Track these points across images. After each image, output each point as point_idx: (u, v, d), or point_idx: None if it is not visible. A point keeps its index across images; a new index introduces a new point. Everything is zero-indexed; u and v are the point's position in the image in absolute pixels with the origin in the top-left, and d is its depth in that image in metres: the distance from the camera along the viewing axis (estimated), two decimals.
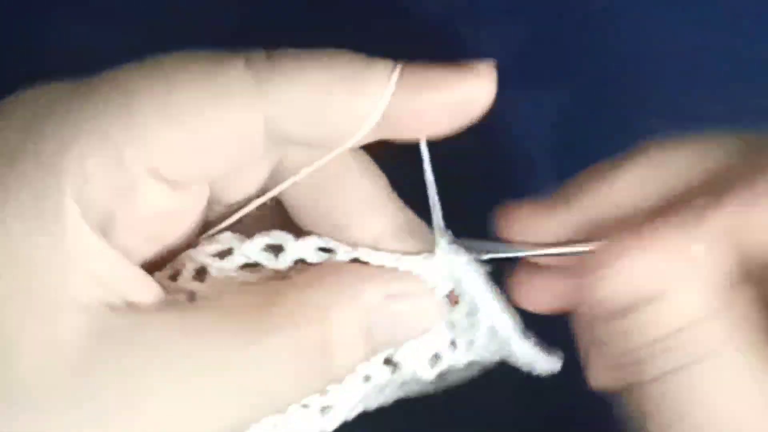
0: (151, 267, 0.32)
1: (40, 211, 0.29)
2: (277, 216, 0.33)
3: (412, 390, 0.35)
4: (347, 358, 0.31)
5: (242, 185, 0.32)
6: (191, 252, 0.32)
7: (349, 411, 0.34)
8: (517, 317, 0.33)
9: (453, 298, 0.33)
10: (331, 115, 0.30)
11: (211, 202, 0.32)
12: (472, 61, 0.30)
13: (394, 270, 0.32)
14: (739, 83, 0.45)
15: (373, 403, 0.34)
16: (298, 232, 0.32)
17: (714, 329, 0.29)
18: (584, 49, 0.45)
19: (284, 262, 0.32)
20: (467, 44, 0.42)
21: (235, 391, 0.30)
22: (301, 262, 0.32)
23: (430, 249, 0.32)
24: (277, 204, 0.33)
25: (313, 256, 0.32)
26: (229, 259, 0.32)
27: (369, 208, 0.32)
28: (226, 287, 0.32)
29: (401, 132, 0.31)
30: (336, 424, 0.33)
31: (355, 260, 0.32)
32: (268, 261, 0.32)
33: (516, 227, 0.32)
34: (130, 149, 0.29)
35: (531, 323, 0.34)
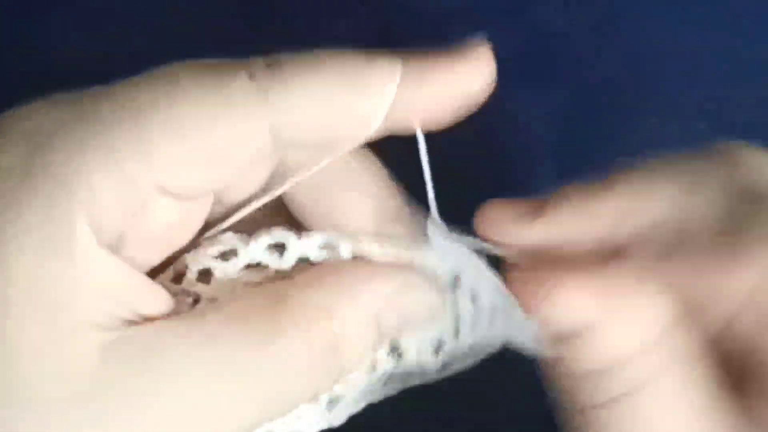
0: (154, 269, 0.32)
1: (51, 231, 0.28)
2: (278, 214, 0.33)
3: (415, 381, 0.35)
4: (356, 354, 0.31)
5: (244, 186, 0.32)
6: (194, 253, 0.32)
7: (355, 404, 0.34)
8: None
9: (455, 283, 0.33)
10: (336, 117, 0.30)
11: (213, 202, 0.32)
12: (468, 44, 0.30)
13: (397, 263, 0.32)
14: (739, 83, 0.45)
15: (378, 396, 0.34)
16: (299, 230, 0.33)
17: (651, 361, 0.30)
18: (584, 49, 0.45)
19: (288, 261, 0.32)
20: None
21: (248, 395, 0.30)
22: (303, 261, 0.32)
23: (429, 239, 0.32)
24: (278, 202, 0.33)
25: (317, 254, 0.32)
26: (233, 260, 0.32)
27: (370, 205, 0.32)
28: (230, 289, 0.32)
29: (405, 125, 0.31)
30: (344, 417, 0.34)
31: (358, 256, 0.32)
32: (271, 261, 0.32)
33: (495, 227, 0.32)
34: (138, 166, 0.29)
35: None
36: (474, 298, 0.33)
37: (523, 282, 0.31)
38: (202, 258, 0.32)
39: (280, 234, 0.32)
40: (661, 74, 0.45)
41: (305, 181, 0.32)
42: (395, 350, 0.33)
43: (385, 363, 0.33)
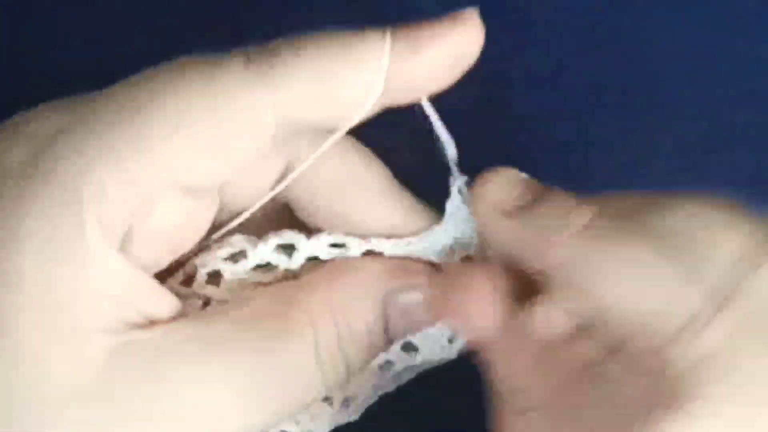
0: (163, 272, 0.32)
1: (58, 234, 0.29)
2: (284, 220, 0.33)
3: (428, 368, 0.35)
4: (364, 354, 0.32)
5: (251, 189, 0.32)
6: (203, 256, 0.32)
7: (368, 399, 0.34)
8: None
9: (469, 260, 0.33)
10: (336, 91, 0.30)
11: (220, 205, 0.32)
12: (455, 11, 0.31)
13: (406, 260, 0.32)
14: (739, 83, 0.45)
15: (391, 387, 0.34)
16: (307, 233, 0.33)
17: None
18: (584, 49, 0.45)
19: (297, 261, 0.32)
20: None
21: (255, 397, 0.30)
22: (312, 260, 0.32)
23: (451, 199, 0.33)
24: (284, 207, 0.33)
25: (326, 253, 0.32)
26: (242, 262, 0.32)
27: (379, 200, 0.33)
28: (240, 290, 0.32)
29: (405, 95, 0.31)
30: (359, 412, 0.34)
31: (368, 252, 0.32)
32: (280, 261, 0.32)
33: (484, 200, 0.32)
34: (141, 164, 0.29)
35: None
36: None
37: (439, 287, 0.32)
38: (212, 260, 0.32)
39: (289, 235, 0.32)
40: (661, 74, 0.45)
41: (315, 183, 0.32)
42: (409, 346, 0.33)
43: (400, 360, 0.33)
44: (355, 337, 0.31)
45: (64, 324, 0.29)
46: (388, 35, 0.30)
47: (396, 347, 0.33)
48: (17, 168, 0.29)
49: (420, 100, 0.31)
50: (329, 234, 0.32)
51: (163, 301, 0.30)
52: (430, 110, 0.31)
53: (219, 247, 0.32)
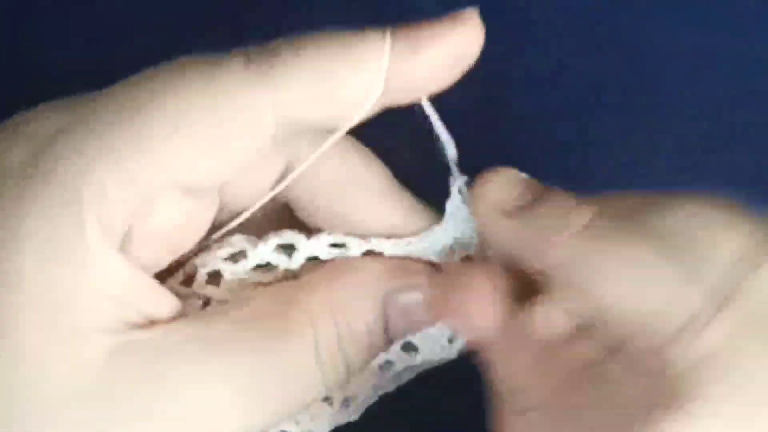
0: (163, 272, 0.32)
1: (58, 234, 0.29)
2: (284, 221, 0.33)
3: (428, 368, 0.35)
4: (363, 354, 0.32)
5: (251, 189, 0.32)
6: (203, 256, 0.32)
7: (368, 399, 0.34)
8: None
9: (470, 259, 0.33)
10: (336, 90, 0.30)
11: (220, 206, 0.32)
12: (455, 11, 0.31)
13: (406, 260, 0.32)
14: (739, 83, 0.45)
15: (391, 387, 0.35)
16: (307, 233, 0.33)
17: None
18: (584, 49, 0.45)
19: (297, 261, 0.32)
20: None
21: (255, 397, 0.30)
22: (312, 260, 0.32)
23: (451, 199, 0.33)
24: (284, 208, 0.33)
25: (326, 253, 0.32)
26: (242, 262, 0.32)
27: (379, 200, 0.33)
28: (240, 290, 0.32)
29: (405, 95, 0.31)
30: (359, 412, 0.34)
31: (368, 252, 0.32)
32: (280, 261, 0.32)
33: (484, 199, 0.32)
34: (141, 164, 0.29)
35: None
36: None
37: (439, 287, 0.32)
38: (212, 260, 0.32)
39: (289, 235, 0.32)
40: (661, 74, 0.45)
41: (316, 183, 0.32)
42: (409, 346, 0.33)
43: (400, 360, 0.33)
44: (355, 337, 0.31)
45: (64, 324, 0.29)
46: (388, 35, 0.30)
47: (396, 347, 0.33)
48: (17, 168, 0.29)
49: (420, 100, 0.31)
50: (329, 234, 0.32)
51: (163, 301, 0.30)
52: (430, 110, 0.31)
53: (219, 247, 0.32)
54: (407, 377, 0.35)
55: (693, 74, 0.45)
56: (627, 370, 0.28)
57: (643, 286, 0.28)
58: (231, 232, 0.33)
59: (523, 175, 0.32)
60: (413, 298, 0.32)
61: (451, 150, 0.32)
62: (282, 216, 0.33)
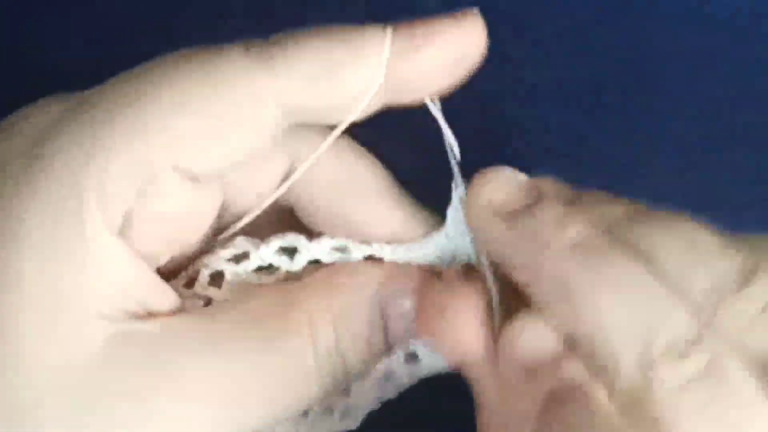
0: (166, 275, 0.32)
1: (60, 219, 0.29)
2: (287, 224, 0.33)
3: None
4: (362, 358, 0.32)
5: (255, 190, 0.32)
6: (207, 257, 0.32)
7: (368, 409, 0.34)
8: None
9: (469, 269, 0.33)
10: (336, 78, 0.30)
11: (223, 208, 0.32)
12: (458, 11, 0.31)
13: (408, 266, 0.32)
14: (739, 83, 0.45)
15: (391, 394, 0.34)
16: (310, 236, 0.33)
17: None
18: (584, 49, 0.45)
19: (299, 263, 0.32)
20: None
21: (252, 394, 0.30)
22: (314, 263, 0.32)
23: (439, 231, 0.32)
24: (287, 212, 0.33)
25: (328, 257, 0.32)
26: (244, 263, 0.32)
27: (379, 203, 0.33)
28: (242, 291, 0.32)
29: (406, 94, 0.31)
30: (359, 420, 0.34)
31: (369, 257, 0.32)
32: (282, 263, 0.32)
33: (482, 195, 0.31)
34: (143, 144, 0.29)
35: None
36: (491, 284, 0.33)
37: (426, 304, 0.31)
38: (215, 261, 0.32)
39: (292, 238, 0.32)
40: (661, 74, 0.45)
41: (317, 185, 0.32)
42: (413, 356, 0.33)
43: (403, 371, 0.33)
44: (353, 340, 0.31)
45: (59, 305, 0.29)
46: (389, 30, 0.30)
47: (398, 358, 0.33)
48: (21, 150, 0.30)
49: (423, 101, 0.31)
50: (331, 238, 0.32)
51: (164, 295, 0.31)
52: (435, 112, 0.31)
53: (222, 249, 0.32)
54: (409, 383, 0.34)
55: (693, 74, 0.45)
56: (611, 395, 0.28)
57: (630, 306, 0.27)
58: (235, 235, 0.33)
59: (520, 175, 0.31)
60: (412, 303, 0.32)
61: (455, 154, 0.32)
62: (285, 221, 0.33)
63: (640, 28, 0.45)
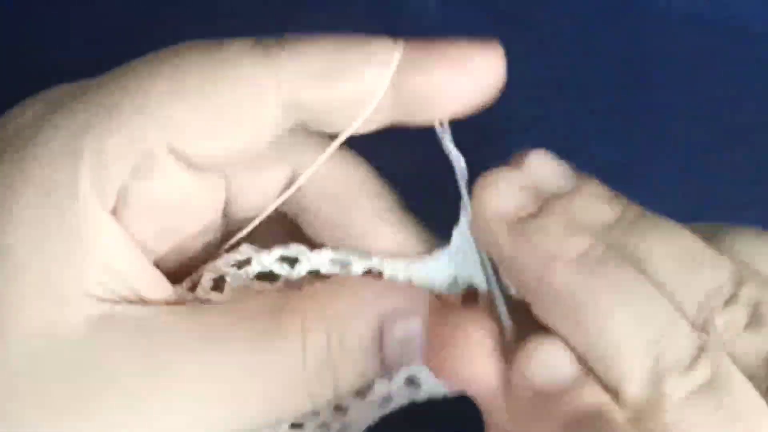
0: (172, 282, 0.32)
1: (54, 190, 0.29)
2: (291, 236, 0.33)
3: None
4: (353, 374, 0.31)
5: (258, 198, 0.32)
6: (211, 264, 0.32)
7: (366, 425, 0.34)
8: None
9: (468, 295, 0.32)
10: (342, 79, 0.30)
11: (227, 217, 0.32)
12: (476, 39, 0.30)
13: (406, 285, 0.32)
14: (739, 83, 0.45)
15: (386, 411, 0.34)
16: (314, 248, 0.33)
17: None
18: (584, 49, 0.45)
19: (298, 272, 0.32)
20: None
21: (237, 393, 0.30)
22: (315, 275, 0.32)
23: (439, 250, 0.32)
24: (290, 224, 0.33)
25: (328, 268, 0.32)
26: (246, 268, 0.32)
27: (381, 218, 0.32)
28: (240, 294, 0.32)
29: (417, 112, 0.30)
30: None
31: (369, 272, 0.32)
32: (282, 271, 0.32)
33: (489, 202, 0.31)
34: (145, 126, 0.29)
35: None
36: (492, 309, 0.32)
37: (434, 334, 0.30)
38: (217, 266, 0.32)
39: (293, 248, 0.32)
40: (661, 74, 0.45)
41: (319, 196, 0.32)
42: (413, 381, 0.33)
43: (402, 393, 0.33)
44: (346, 352, 0.30)
45: (49, 277, 0.29)
46: (400, 41, 0.30)
47: (398, 382, 0.32)
48: (26, 124, 0.30)
49: (433, 123, 0.31)
50: (332, 249, 0.32)
51: (158, 285, 0.30)
52: (444, 134, 0.31)
53: (226, 255, 0.32)
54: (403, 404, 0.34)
55: (693, 74, 0.45)
56: (622, 409, 0.27)
57: (638, 320, 0.27)
58: (240, 243, 0.33)
59: (520, 171, 0.30)
60: (411, 328, 0.31)
61: (462, 176, 0.31)
62: (291, 233, 0.33)
63: (640, 28, 0.45)
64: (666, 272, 0.28)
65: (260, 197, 0.32)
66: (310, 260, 0.32)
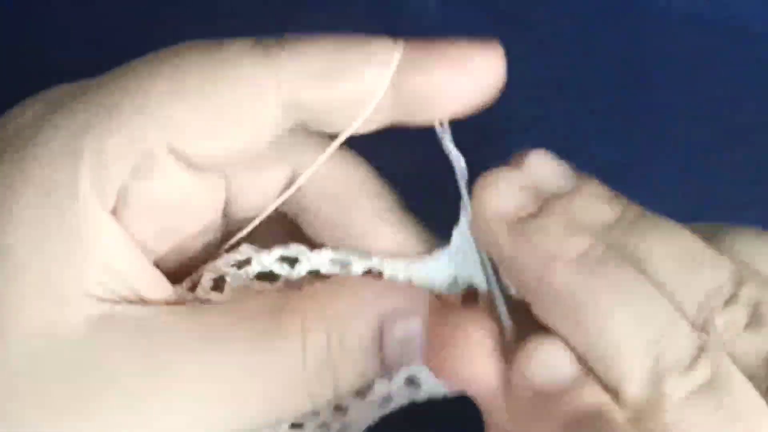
0: (173, 282, 0.32)
1: (54, 190, 0.29)
2: (292, 236, 0.33)
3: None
4: (352, 374, 0.31)
5: (258, 199, 0.32)
6: (211, 264, 0.32)
7: (366, 425, 0.34)
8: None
9: (468, 295, 0.32)
10: (342, 79, 0.30)
11: (227, 217, 0.32)
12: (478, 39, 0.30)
13: (407, 285, 0.32)
14: (739, 84, 0.45)
15: (386, 412, 0.34)
16: (311, 247, 0.33)
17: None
18: (584, 49, 0.45)
19: (298, 272, 0.32)
20: None
21: (237, 392, 0.30)
22: (315, 275, 0.32)
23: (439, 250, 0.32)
24: (291, 225, 0.33)
25: (328, 268, 0.32)
26: (246, 268, 0.32)
27: (380, 217, 0.32)
28: (240, 294, 0.32)
29: (417, 112, 0.31)
30: None
31: (369, 272, 0.32)
32: (282, 271, 0.32)
33: (489, 201, 0.30)
34: (145, 126, 0.29)
35: None
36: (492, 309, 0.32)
37: (434, 335, 0.30)
38: (218, 266, 0.32)
39: (293, 248, 0.32)
40: (661, 74, 0.45)
41: (320, 195, 0.32)
42: (413, 381, 0.33)
43: (402, 393, 0.33)
44: (345, 352, 0.30)
45: (49, 276, 0.29)
46: (401, 40, 0.30)
47: (398, 382, 0.32)
48: (27, 123, 0.30)
49: (433, 123, 0.31)
50: (332, 249, 0.32)
51: (158, 286, 0.30)
52: (445, 134, 0.31)
53: (226, 255, 0.32)
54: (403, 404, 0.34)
55: (693, 74, 0.45)
56: (623, 409, 0.27)
57: (639, 320, 0.27)
58: (240, 243, 0.33)
59: (519, 172, 0.30)
60: (411, 328, 0.31)
61: (463, 176, 0.31)
62: (292, 233, 0.33)
63: (640, 28, 0.45)
64: (666, 272, 0.28)
65: (260, 197, 0.32)
66: (310, 260, 0.32)
